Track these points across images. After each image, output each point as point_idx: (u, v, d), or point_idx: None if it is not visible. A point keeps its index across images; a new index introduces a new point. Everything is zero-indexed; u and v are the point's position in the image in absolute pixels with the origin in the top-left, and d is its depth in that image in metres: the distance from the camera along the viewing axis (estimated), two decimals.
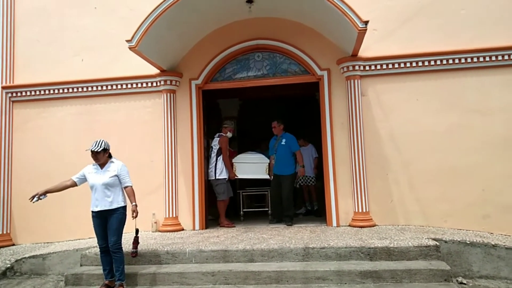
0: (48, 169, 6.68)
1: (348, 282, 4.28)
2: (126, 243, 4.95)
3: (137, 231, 4.68)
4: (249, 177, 7.14)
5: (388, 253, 4.62)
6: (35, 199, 4.45)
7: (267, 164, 6.92)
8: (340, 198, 6.14)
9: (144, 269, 4.74)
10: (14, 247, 6.54)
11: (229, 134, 6.90)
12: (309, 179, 7.69)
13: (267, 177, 6.93)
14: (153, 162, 6.49)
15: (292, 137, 6.80)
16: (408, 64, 6.15)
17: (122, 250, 4.55)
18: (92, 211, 4.57)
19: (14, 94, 6.97)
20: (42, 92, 6.92)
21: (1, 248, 6.42)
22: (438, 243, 4.74)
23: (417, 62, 6.13)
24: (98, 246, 4.66)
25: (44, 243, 6.56)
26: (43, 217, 6.55)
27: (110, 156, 4.68)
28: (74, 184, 4.65)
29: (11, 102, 6.99)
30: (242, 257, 4.80)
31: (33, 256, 5.62)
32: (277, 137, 6.86)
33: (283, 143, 6.71)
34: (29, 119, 6.95)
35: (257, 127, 9.79)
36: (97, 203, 4.52)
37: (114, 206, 4.53)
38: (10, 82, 7.00)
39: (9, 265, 5.57)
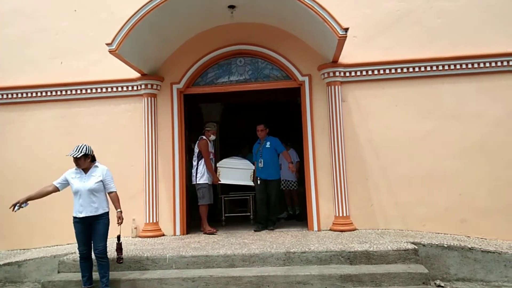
0: (27, 173, 6.53)
1: (328, 286, 4.31)
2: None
3: (119, 237, 4.60)
4: (233, 183, 7.02)
5: (368, 257, 4.68)
6: (16, 207, 4.30)
7: (252, 170, 6.79)
8: (321, 203, 6.19)
9: (125, 275, 4.67)
10: None
11: (212, 137, 6.68)
12: (290, 184, 7.72)
13: (252, 184, 6.80)
14: (133, 167, 6.42)
15: (276, 139, 6.74)
16: (387, 71, 6.27)
17: (107, 256, 4.48)
18: (75, 217, 4.46)
19: None
20: (20, 95, 6.78)
21: None
22: (416, 247, 4.82)
23: (396, 69, 6.26)
24: (77, 252, 4.57)
25: (20, 249, 6.40)
26: (19, 222, 6.37)
27: (93, 160, 4.59)
28: (56, 190, 4.53)
29: None
30: (223, 262, 4.79)
31: (8, 264, 5.47)
32: (260, 141, 6.77)
33: (267, 146, 6.64)
34: (7, 122, 6.79)
35: (239, 132, 9.81)
36: (82, 209, 4.42)
37: (100, 212, 4.46)
38: None
39: None
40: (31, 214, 6.21)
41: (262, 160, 6.57)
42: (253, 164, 6.82)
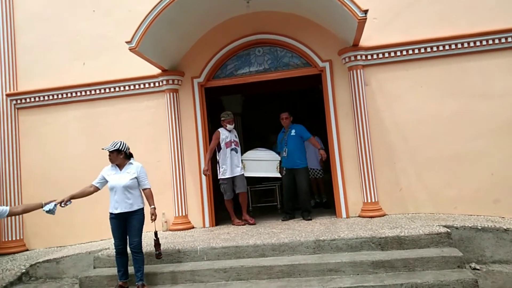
0: (55, 173, 6.74)
1: (360, 272, 4.29)
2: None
3: (156, 233, 4.70)
4: (259, 175, 6.79)
5: (400, 242, 4.62)
6: (63, 205, 4.40)
7: (278, 161, 6.54)
8: (349, 189, 6.13)
9: (159, 268, 4.77)
10: (27, 252, 6.60)
11: (229, 126, 6.32)
12: (316, 172, 7.66)
13: (278, 175, 6.57)
14: (160, 162, 6.50)
15: (300, 126, 6.50)
16: (410, 52, 6.11)
17: (142, 250, 4.59)
18: (111, 213, 4.57)
19: (18, 101, 7.00)
20: (46, 98, 6.95)
21: (15, 254, 6.49)
22: (449, 230, 4.73)
23: (419, 49, 6.09)
24: (114, 248, 4.69)
25: (57, 247, 6.62)
26: (54, 222, 6.51)
27: (128, 158, 4.67)
28: (97, 189, 4.65)
29: (16, 109, 7.02)
30: (253, 252, 4.82)
31: (47, 261, 5.68)
32: (285, 130, 6.57)
33: (292, 133, 6.40)
34: (34, 125, 6.99)
35: (262, 122, 9.79)
36: (117, 205, 4.51)
37: (135, 208, 4.54)
38: (13, 90, 7.03)
39: (24, 270, 5.63)
40: (64, 213, 6.39)
41: (286, 149, 6.38)
42: (279, 154, 6.63)
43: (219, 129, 6.32)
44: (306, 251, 4.74)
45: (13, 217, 6.65)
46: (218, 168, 6.34)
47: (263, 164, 6.58)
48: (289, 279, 4.37)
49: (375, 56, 6.16)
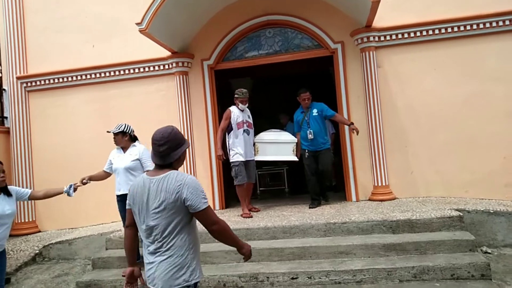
0: (66, 156, 6.78)
1: (372, 255, 4.29)
2: None
3: None
4: (273, 159, 6.26)
5: (411, 226, 4.61)
6: (84, 181, 4.36)
7: (295, 143, 6.01)
8: (359, 173, 6.10)
9: None
10: (40, 233, 6.70)
11: (242, 106, 5.73)
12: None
13: (295, 158, 6.04)
14: None
15: (322, 104, 5.97)
16: (424, 33, 5.98)
17: None
18: (117, 195, 4.62)
19: (28, 84, 7.01)
20: (56, 81, 6.95)
21: (28, 235, 6.60)
22: (461, 214, 4.70)
23: (433, 30, 5.95)
24: (123, 230, 4.73)
25: (68, 229, 6.70)
26: (66, 204, 6.58)
27: (133, 140, 4.68)
28: (108, 174, 4.73)
29: (26, 92, 7.04)
30: (264, 235, 4.85)
31: (60, 242, 5.77)
32: (304, 110, 5.99)
33: (315, 113, 5.85)
34: (45, 108, 7.00)
35: (271, 106, 9.72)
36: (120, 187, 4.57)
37: None
38: (24, 72, 7.03)
39: (37, 251, 5.74)
40: (76, 195, 6.46)
41: (311, 131, 5.81)
42: (295, 136, 6.11)
43: (230, 108, 5.77)
44: (317, 233, 4.75)
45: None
46: (228, 150, 5.83)
47: (279, 146, 6.03)
48: (300, 261, 4.40)
49: (388, 38, 6.04)
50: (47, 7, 7.07)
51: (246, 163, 5.71)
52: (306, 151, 5.88)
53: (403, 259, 4.15)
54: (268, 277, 4.19)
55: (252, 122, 5.90)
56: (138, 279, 2.61)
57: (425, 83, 5.95)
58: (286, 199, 6.97)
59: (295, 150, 6.04)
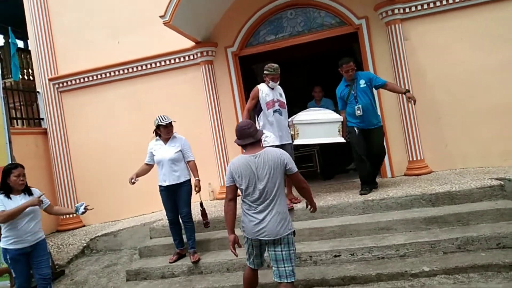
0: (102, 151, 7.01)
1: (413, 229, 4.30)
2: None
3: (201, 204, 4.84)
4: (317, 142, 5.50)
5: (451, 198, 4.57)
6: (133, 180, 4.67)
7: (341, 122, 5.21)
8: (393, 148, 6.03)
9: (212, 235, 4.97)
10: (85, 227, 6.99)
11: (272, 84, 4.95)
12: None
13: (342, 139, 5.22)
14: (202, 134, 6.60)
15: (368, 72, 5.43)
16: (450, 1, 5.80)
17: (193, 220, 4.77)
18: (160, 186, 4.75)
19: (60, 85, 7.23)
20: (86, 79, 7.13)
21: (74, 230, 6.89)
22: (502, 182, 4.64)
23: None
24: (167, 219, 4.90)
25: (111, 221, 6.95)
26: (107, 198, 6.87)
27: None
28: (151, 166, 4.86)
29: (59, 93, 7.26)
30: (302, 216, 4.91)
31: (105, 234, 6.02)
32: (348, 83, 5.18)
33: (362, 85, 5.06)
34: (77, 106, 7.21)
35: (295, 89, 9.67)
36: (165, 178, 4.68)
37: (182, 180, 4.70)
38: (54, 74, 7.24)
39: (85, 244, 6.01)
40: (116, 189, 6.74)
41: (360, 106, 5.02)
42: (338, 113, 5.38)
43: (258, 86, 5.05)
44: (355, 211, 4.78)
45: (68, 197, 7.02)
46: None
47: (322, 127, 5.20)
48: (340, 239, 4.45)
49: (413, 9, 5.90)
50: (70, 6, 7.23)
51: (281, 148, 4.73)
52: (355, 128, 5.08)
53: (446, 231, 4.14)
54: (311, 256, 4.27)
55: (285, 101, 5.10)
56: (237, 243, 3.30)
57: (455, 52, 5.80)
58: (319, 180, 6.98)
59: (341, 130, 5.22)
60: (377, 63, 6.09)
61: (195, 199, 4.87)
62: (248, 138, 3.27)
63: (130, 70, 6.92)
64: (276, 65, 4.97)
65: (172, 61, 6.75)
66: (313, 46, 6.72)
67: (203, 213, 4.84)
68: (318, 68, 9.11)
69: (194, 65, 6.67)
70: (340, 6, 6.21)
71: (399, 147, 5.99)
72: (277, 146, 4.66)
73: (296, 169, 3.27)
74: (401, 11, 5.89)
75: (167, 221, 4.90)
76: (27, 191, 4.11)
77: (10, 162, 5.11)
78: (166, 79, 6.83)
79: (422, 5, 5.89)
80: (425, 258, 3.92)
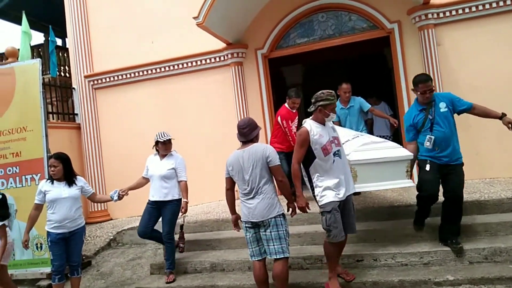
0: (132, 148, 7.18)
1: (438, 237, 4.20)
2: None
3: (181, 226, 4.83)
4: (379, 187, 4.23)
5: (480, 207, 4.48)
6: (121, 194, 4.61)
7: (410, 160, 4.08)
8: None
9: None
10: (112, 221, 7.20)
11: (330, 117, 3.72)
12: (385, 139, 7.41)
13: (410, 183, 4.18)
14: (228, 135, 6.66)
15: (449, 93, 4.20)
16: (487, 6, 5.68)
17: (174, 240, 4.71)
18: (150, 200, 4.74)
19: (95, 82, 7.50)
20: (119, 78, 7.38)
21: (102, 223, 7.12)
22: None
23: (497, 2, 5.64)
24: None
25: (137, 216, 7.08)
26: (133, 193, 7.00)
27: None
28: (147, 180, 4.84)
29: (93, 90, 7.53)
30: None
31: (132, 228, 6.17)
32: (423, 107, 4.01)
33: (443, 109, 3.97)
34: (111, 103, 7.47)
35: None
36: (154, 193, 4.68)
37: (169, 198, 4.64)
38: (90, 71, 7.53)
39: (112, 237, 6.19)
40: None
41: (432, 136, 3.92)
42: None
43: (304, 125, 3.72)
44: (381, 217, 4.70)
45: (97, 190, 7.25)
46: (308, 185, 3.79)
47: (387, 168, 4.05)
48: (363, 244, 4.39)
49: (447, 14, 5.81)
50: (108, 6, 7.50)
51: (343, 204, 3.72)
52: (428, 162, 3.99)
53: (473, 241, 4.04)
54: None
55: (338, 135, 3.88)
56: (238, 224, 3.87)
57: (489, 59, 5.66)
58: None
59: (409, 170, 4.12)
60: (408, 68, 6.00)
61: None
62: (242, 136, 3.69)
63: (162, 69, 7.10)
64: (331, 91, 3.76)
65: (203, 62, 6.89)
66: (343, 49, 6.70)
67: (181, 236, 4.80)
68: (349, 70, 9.08)
69: (224, 66, 6.78)
70: (373, 9, 6.17)
71: None
72: (338, 204, 3.62)
73: (278, 163, 3.58)
74: (435, 16, 5.80)
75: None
76: (68, 180, 4.29)
77: (46, 155, 5.36)
78: (196, 79, 6.97)
79: (456, 10, 5.79)
80: (449, 267, 3.84)
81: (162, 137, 4.68)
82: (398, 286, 3.74)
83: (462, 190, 3.98)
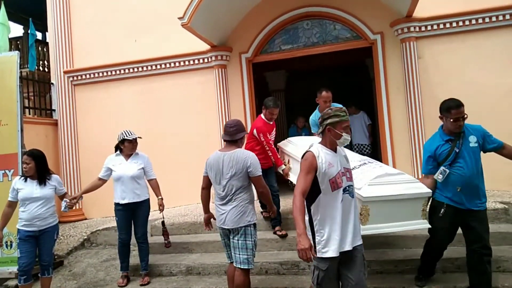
0: (110, 146, 6.95)
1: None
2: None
3: (163, 223, 4.80)
4: (393, 229, 3.57)
5: None
6: (74, 201, 4.42)
7: (427, 197, 3.52)
8: (399, 165, 6.02)
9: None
10: (86, 221, 7.05)
11: (345, 137, 2.89)
12: (364, 148, 7.58)
13: (426, 224, 3.54)
14: (210, 137, 6.65)
15: (478, 126, 3.65)
16: (467, 22, 5.85)
17: (148, 241, 4.71)
18: (118, 203, 4.61)
19: (74, 78, 7.35)
20: (100, 74, 7.25)
21: (76, 222, 6.96)
22: (506, 206, 4.62)
23: (476, 20, 5.82)
24: (118, 239, 4.68)
25: (112, 216, 6.93)
26: (109, 193, 6.90)
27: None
28: (104, 181, 4.72)
29: (72, 86, 7.38)
30: None
31: (106, 229, 6.05)
32: (450, 138, 3.54)
33: (473, 144, 3.48)
34: (90, 101, 7.33)
35: (305, 99, 9.72)
36: (124, 195, 4.54)
37: (142, 198, 4.60)
38: (70, 67, 7.37)
39: (86, 237, 6.05)
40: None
41: (446, 170, 3.46)
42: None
43: (311, 149, 2.90)
44: None
45: (73, 188, 7.08)
46: (308, 226, 2.85)
47: (402, 206, 3.44)
48: None
49: (429, 28, 5.95)
50: (91, 2, 7.38)
51: (346, 257, 2.86)
52: (445, 206, 3.48)
53: (448, 250, 4.11)
54: (309, 265, 4.24)
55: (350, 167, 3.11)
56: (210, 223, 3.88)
57: (469, 74, 5.82)
58: None
59: (426, 209, 3.55)
60: (389, 79, 6.12)
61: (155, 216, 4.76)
62: (227, 135, 3.59)
63: (145, 68, 7.02)
64: (342, 106, 3.26)
65: (187, 63, 6.84)
66: (328, 57, 6.79)
67: (165, 232, 4.77)
68: (332, 78, 9.18)
69: (208, 68, 6.76)
70: (357, 20, 6.27)
71: (406, 164, 5.96)
72: (335, 260, 2.81)
73: (259, 174, 3.51)
74: (417, 29, 5.93)
75: (119, 241, 4.64)
76: (41, 178, 4.17)
77: (20, 150, 5.20)
78: (178, 80, 6.92)
79: (438, 25, 5.93)
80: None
81: (129, 135, 4.58)
82: None
83: (488, 238, 3.39)
